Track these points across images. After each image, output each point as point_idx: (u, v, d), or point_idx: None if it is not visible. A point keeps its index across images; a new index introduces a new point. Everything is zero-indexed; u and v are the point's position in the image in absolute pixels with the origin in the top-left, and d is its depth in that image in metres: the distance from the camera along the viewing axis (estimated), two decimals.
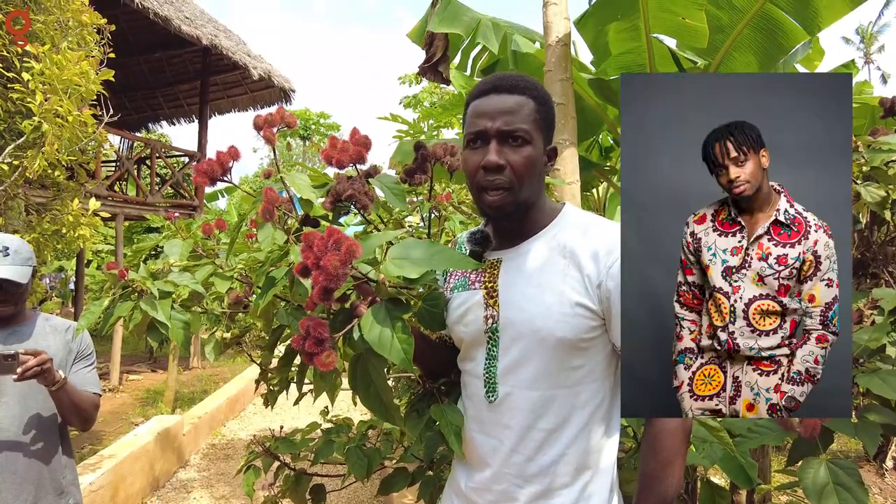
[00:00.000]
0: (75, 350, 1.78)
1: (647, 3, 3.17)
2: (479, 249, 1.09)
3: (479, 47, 3.71)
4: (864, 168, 1.58)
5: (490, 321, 1.02)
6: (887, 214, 1.56)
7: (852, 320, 1.23)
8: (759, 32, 3.59)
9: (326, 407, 1.90)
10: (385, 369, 1.07)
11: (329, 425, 1.83)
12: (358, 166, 1.24)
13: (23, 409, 1.66)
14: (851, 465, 1.05)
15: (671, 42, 3.65)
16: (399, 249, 0.94)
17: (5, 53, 3.06)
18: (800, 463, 1.14)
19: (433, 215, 1.54)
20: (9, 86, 3.05)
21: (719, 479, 2.76)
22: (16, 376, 1.50)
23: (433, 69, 3.37)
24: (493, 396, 1.02)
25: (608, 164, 5.53)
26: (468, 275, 1.09)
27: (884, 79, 38.60)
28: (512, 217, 1.04)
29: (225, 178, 1.23)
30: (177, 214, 1.75)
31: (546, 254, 1.01)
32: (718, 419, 1.37)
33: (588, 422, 0.98)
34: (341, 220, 1.37)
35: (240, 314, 1.61)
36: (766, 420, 1.25)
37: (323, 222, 1.29)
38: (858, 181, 1.59)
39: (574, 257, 0.98)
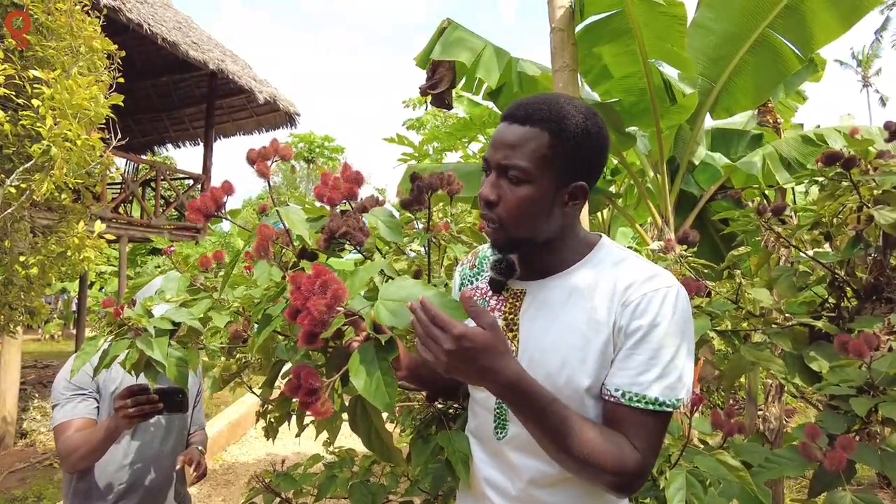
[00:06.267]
0: (196, 385, 1.97)
1: (641, 31, 3.21)
2: (502, 279, 1.03)
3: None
4: (875, 192, 1.57)
5: None
6: None
7: (870, 346, 1.21)
8: (759, 58, 3.66)
9: (328, 438, 1.86)
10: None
11: (331, 458, 1.79)
12: (351, 202, 1.22)
13: (174, 445, 1.86)
14: (877, 500, 1.02)
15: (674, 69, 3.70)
16: (391, 290, 0.89)
17: (16, 78, 3.10)
18: (823, 495, 1.11)
19: (433, 243, 1.53)
20: (20, 112, 3.08)
21: None
22: (182, 415, 1.76)
23: (438, 97, 3.43)
24: (502, 433, 0.98)
25: (612, 187, 5.55)
26: (487, 299, 1.05)
27: (882, 101, 38.94)
28: (509, 251, 0.99)
29: (219, 213, 1.20)
30: (173, 249, 1.73)
31: (573, 292, 0.94)
32: (735, 449, 1.34)
33: None
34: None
35: (238, 348, 1.58)
36: (786, 450, 1.22)
37: (321, 254, 1.28)
38: (870, 204, 1.58)
39: (601, 298, 0.91)
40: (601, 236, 1.02)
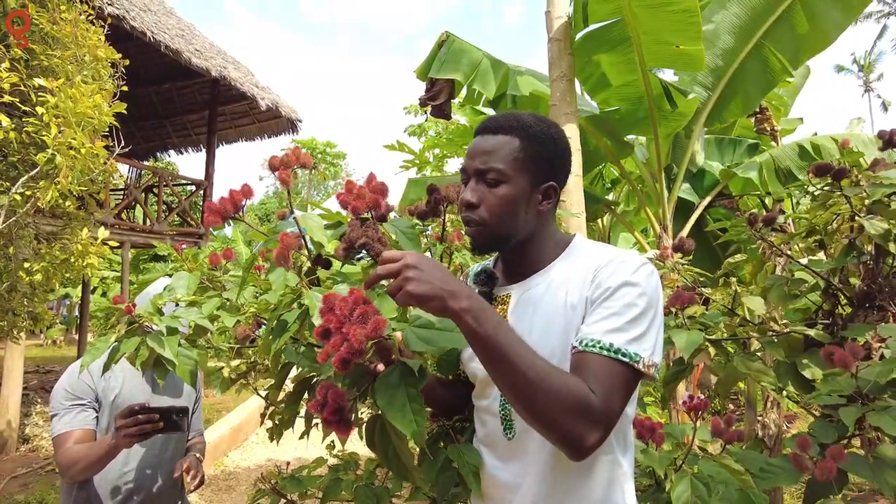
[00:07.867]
0: (194, 392, 1.96)
1: (639, 38, 3.25)
2: (486, 290, 1.09)
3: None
4: (867, 201, 1.60)
5: None
6: (892, 247, 1.56)
7: (856, 356, 1.22)
8: (750, 68, 3.71)
9: (333, 441, 1.88)
10: None
11: (335, 461, 1.80)
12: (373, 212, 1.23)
13: (173, 452, 1.88)
14: None
15: (669, 72, 3.74)
16: (422, 317, 0.88)
17: (21, 86, 3.14)
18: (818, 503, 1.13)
19: (445, 253, 1.55)
20: (24, 119, 3.12)
21: None
22: (181, 433, 1.76)
23: (438, 108, 3.49)
24: (510, 433, 1.01)
25: (611, 195, 5.58)
26: None
27: (884, 106, 38.95)
28: (490, 251, 1.06)
29: (237, 216, 1.21)
30: (184, 246, 1.76)
31: (553, 286, 1.00)
32: (734, 457, 1.35)
33: (609, 454, 0.96)
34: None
35: (246, 348, 1.60)
36: (780, 459, 1.24)
37: (335, 262, 1.29)
38: (861, 214, 1.60)
39: (575, 282, 0.97)
40: (575, 235, 1.09)
